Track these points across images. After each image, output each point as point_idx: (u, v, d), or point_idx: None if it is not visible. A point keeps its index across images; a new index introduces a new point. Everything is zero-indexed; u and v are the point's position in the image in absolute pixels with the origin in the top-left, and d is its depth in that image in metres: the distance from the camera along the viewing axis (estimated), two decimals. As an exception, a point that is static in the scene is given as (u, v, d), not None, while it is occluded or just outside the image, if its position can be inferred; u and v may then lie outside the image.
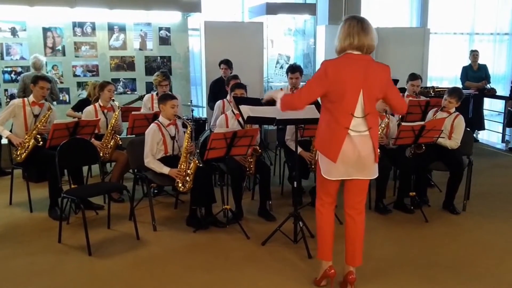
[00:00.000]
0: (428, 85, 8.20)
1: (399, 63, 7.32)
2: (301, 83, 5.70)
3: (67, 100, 6.93)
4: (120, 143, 4.96)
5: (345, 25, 2.90)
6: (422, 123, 4.42)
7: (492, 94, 8.26)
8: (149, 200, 4.28)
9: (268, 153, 6.50)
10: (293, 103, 2.96)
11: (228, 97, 5.12)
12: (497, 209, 4.79)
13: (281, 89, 3.71)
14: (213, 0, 8.14)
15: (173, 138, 4.35)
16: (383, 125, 4.65)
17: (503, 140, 8.17)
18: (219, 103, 5.37)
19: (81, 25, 6.86)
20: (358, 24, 2.86)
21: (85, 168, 5.17)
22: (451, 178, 4.61)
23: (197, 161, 4.13)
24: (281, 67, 8.13)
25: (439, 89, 7.15)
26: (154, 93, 5.45)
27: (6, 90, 6.67)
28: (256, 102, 3.67)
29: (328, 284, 3.20)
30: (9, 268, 3.50)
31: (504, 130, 8.19)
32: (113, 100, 5.09)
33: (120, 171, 4.93)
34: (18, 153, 4.54)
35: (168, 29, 7.31)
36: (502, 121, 8.29)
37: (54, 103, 6.21)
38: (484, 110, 8.39)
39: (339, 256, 3.18)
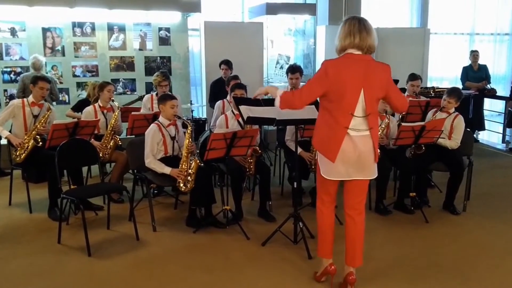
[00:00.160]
0: (429, 85, 8.21)
1: (399, 64, 7.31)
2: (301, 84, 5.70)
3: (67, 101, 6.92)
4: (120, 143, 4.95)
5: (345, 24, 2.91)
6: (422, 123, 4.42)
7: (492, 94, 8.25)
8: (148, 200, 4.28)
9: (268, 153, 6.49)
10: (293, 102, 2.95)
11: (228, 97, 5.12)
12: (497, 209, 4.79)
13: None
14: (213, 0, 8.14)
15: (173, 138, 4.35)
16: (383, 126, 4.64)
17: (503, 141, 8.17)
18: (219, 103, 5.37)
19: (80, 25, 6.86)
20: (359, 24, 2.87)
21: (84, 169, 5.16)
22: (451, 179, 4.61)
23: (198, 161, 4.12)
24: (281, 68, 8.12)
25: (439, 90, 7.14)
26: (154, 94, 5.44)
27: (5, 90, 6.66)
28: (256, 102, 3.66)
29: (327, 281, 3.22)
30: (8, 269, 3.49)
31: (504, 130, 8.19)
32: (113, 101, 5.08)
33: (119, 171, 4.93)
34: (17, 154, 4.53)
35: (168, 29, 7.30)
36: (502, 122, 8.29)
37: (54, 103, 6.20)
38: (484, 111, 8.38)
39: (339, 256, 3.18)
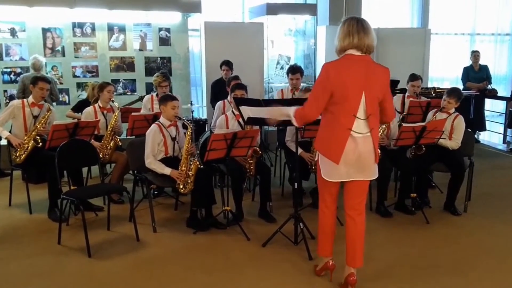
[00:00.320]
0: (429, 85, 8.19)
1: (400, 64, 7.32)
2: (302, 84, 5.69)
3: (67, 101, 6.91)
4: (120, 144, 4.95)
5: (344, 25, 2.92)
6: (423, 124, 4.41)
7: (493, 95, 8.24)
8: (149, 201, 4.27)
9: (268, 154, 6.48)
10: (306, 115, 2.97)
11: (228, 97, 5.11)
12: (498, 210, 4.78)
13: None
14: (213, 0, 8.13)
15: (173, 139, 4.34)
16: (384, 126, 4.63)
17: (504, 141, 8.16)
18: (219, 103, 5.36)
19: (80, 25, 6.85)
20: (357, 24, 2.88)
21: (84, 169, 5.16)
22: (452, 179, 4.60)
23: (197, 163, 4.12)
24: (282, 68, 8.11)
25: (440, 90, 7.12)
26: (154, 94, 5.44)
27: (5, 91, 6.65)
28: (256, 103, 3.65)
29: (326, 275, 3.27)
30: (8, 270, 3.48)
31: (505, 131, 8.18)
32: (113, 101, 5.08)
33: (119, 172, 4.92)
34: (17, 154, 4.53)
35: (168, 30, 7.30)
36: (503, 122, 8.28)
37: (54, 104, 6.19)
38: (485, 111, 8.37)
39: (339, 256, 3.18)
